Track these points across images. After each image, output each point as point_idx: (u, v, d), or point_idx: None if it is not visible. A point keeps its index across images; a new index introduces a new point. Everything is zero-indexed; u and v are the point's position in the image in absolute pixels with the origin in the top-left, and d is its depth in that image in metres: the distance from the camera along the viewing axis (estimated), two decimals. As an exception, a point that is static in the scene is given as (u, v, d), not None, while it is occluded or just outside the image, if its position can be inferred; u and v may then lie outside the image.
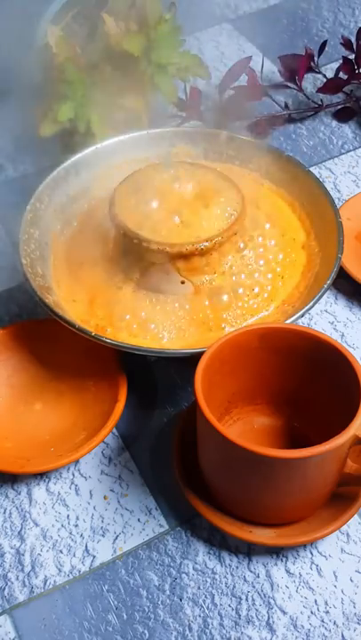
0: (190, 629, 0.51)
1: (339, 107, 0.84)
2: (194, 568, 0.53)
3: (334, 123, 0.83)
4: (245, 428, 0.57)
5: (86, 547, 0.54)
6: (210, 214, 0.59)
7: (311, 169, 0.71)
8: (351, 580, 0.52)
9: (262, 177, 0.69)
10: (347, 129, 0.83)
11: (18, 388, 0.61)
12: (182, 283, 0.59)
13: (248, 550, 0.54)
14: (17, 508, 0.56)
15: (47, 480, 0.58)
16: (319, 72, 0.84)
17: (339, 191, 0.76)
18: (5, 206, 0.75)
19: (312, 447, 0.46)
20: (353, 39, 0.83)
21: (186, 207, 0.60)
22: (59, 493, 0.57)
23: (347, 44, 0.83)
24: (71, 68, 0.71)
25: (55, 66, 0.71)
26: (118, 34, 0.71)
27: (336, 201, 0.68)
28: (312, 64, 0.83)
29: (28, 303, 0.67)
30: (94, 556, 0.54)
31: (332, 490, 0.52)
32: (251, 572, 0.53)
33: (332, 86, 0.83)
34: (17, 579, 0.53)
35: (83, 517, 0.56)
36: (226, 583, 0.52)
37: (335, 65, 0.86)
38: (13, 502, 0.57)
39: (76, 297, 0.61)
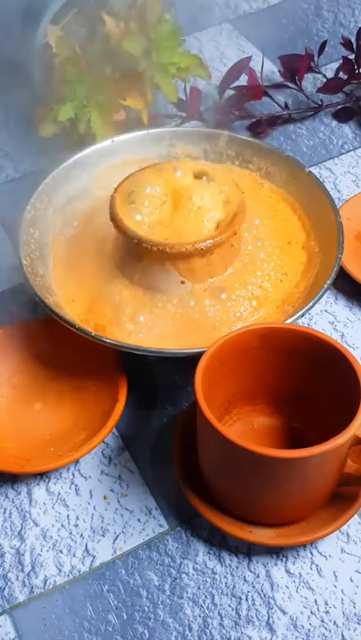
0: (190, 629, 0.51)
1: (339, 107, 0.84)
2: (194, 568, 0.53)
3: (334, 123, 0.83)
4: (245, 428, 0.57)
5: (86, 547, 0.54)
6: (210, 214, 0.59)
7: (311, 169, 0.71)
8: (351, 580, 0.52)
9: (262, 177, 0.69)
10: (347, 129, 0.83)
11: (18, 388, 0.61)
12: (182, 283, 0.59)
13: (248, 550, 0.54)
14: (17, 508, 0.56)
15: (47, 480, 0.58)
16: (319, 72, 0.84)
17: (339, 191, 0.76)
18: (5, 206, 0.75)
19: (312, 447, 0.46)
20: (353, 39, 0.83)
21: (186, 207, 0.60)
22: (59, 493, 0.57)
23: (347, 44, 0.83)
24: (71, 68, 0.71)
25: (55, 66, 0.71)
26: (118, 34, 0.71)
27: (336, 201, 0.68)
28: (312, 64, 0.83)
29: (27, 303, 0.67)
30: (94, 556, 0.54)
31: (332, 490, 0.52)
32: (251, 572, 0.53)
33: (332, 86, 0.83)
34: (17, 579, 0.53)
35: (83, 517, 0.56)
36: (226, 583, 0.52)
37: (335, 65, 0.86)
38: (13, 502, 0.57)
39: (75, 297, 0.61)
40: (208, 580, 0.53)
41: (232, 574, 0.53)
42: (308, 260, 0.63)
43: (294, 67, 0.83)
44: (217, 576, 0.53)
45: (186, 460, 0.55)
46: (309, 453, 0.46)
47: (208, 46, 0.93)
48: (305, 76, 0.84)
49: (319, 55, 0.84)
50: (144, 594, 0.52)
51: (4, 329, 0.63)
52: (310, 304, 0.58)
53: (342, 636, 0.50)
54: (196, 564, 0.53)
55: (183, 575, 0.53)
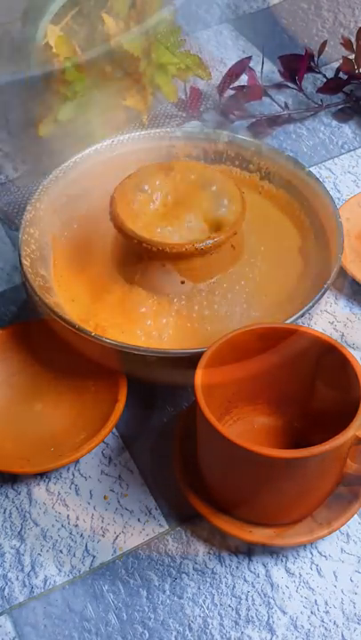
0: (190, 629, 0.51)
1: (339, 107, 0.84)
2: (194, 568, 0.53)
3: (334, 123, 0.83)
4: (245, 428, 0.57)
5: (86, 547, 0.54)
6: (210, 214, 0.59)
7: (311, 169, 0.71)
8: (351, 580, 0.52)
9: (262, 177, 0.69)
10: (347, 129, 0.83)
11: (18, 389, 0.61)
12: (182, 283, 0.59)
13: (248, 550, 0.54)
14: (17, 508, 0.56)
15: (47, 480, 0.58)
16: (319, 72, 0.84)
17: (339, 191, 0.76)
18: (5, 206, 0.75)
19: (312, 447, 0.46)
20: (353, 39, 0.83)
21: (186, 207, 0.60)
22: (59, 493, 0.57)
23: (347, 44, 0.83)
24: (71, 68, 0.71)
25: (55, 66, 0.71)
26: (118, 34, 0.71)
27: (336, 201, 0.68)
28: (312, 64, 0.83)
29: (27, 303, 0.67)
30: (94, 556, 0.54)
31: (332, 490, 0.52)
32: (251, 572, 0.53)
33: (332, 86, 0.83)
34: (17, 579, 0.53)
35: (83, 517, 0.56)
36: (226, 583, 0.52)
37: (335, 65, 0.86)
38: (13, 502, 0.57)
39: (76, 297, 0.61)
40: (208, 579, 0.53)
41: (232, 574, 0.53)
42: (307, 261, 0.63)
43: (294, 67, 0.83)
44: (217, 576, 0.53)
45: (186, 460, 0.55)
46: (309, 453, 0.46)
47: (208, 46, 0.93)
48: (305, 75, 0.84)
49: (319, 55, 0.84)
50: (144, 594, 0.52)
51: (3, 329, 0.63)
52: (310, 304, 0.58)
53: (342, 636, 0.50)
54: (196, 563, 0.53)
55: (183, 575, 0.53)
